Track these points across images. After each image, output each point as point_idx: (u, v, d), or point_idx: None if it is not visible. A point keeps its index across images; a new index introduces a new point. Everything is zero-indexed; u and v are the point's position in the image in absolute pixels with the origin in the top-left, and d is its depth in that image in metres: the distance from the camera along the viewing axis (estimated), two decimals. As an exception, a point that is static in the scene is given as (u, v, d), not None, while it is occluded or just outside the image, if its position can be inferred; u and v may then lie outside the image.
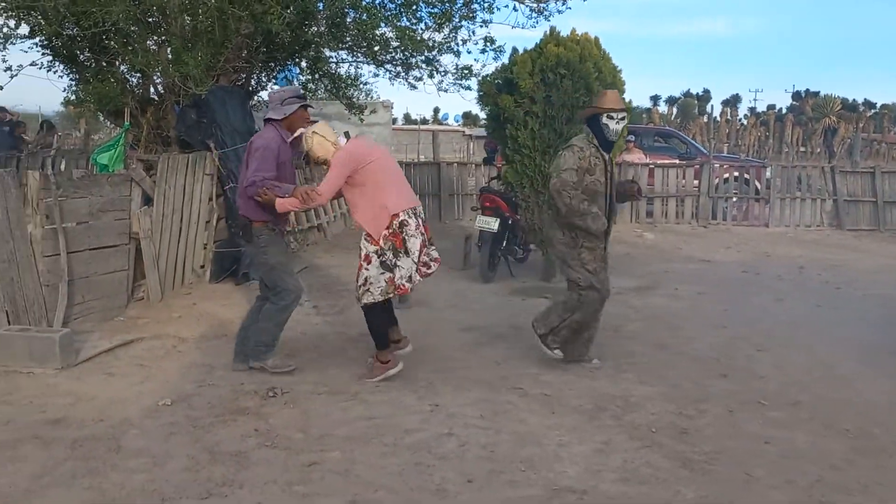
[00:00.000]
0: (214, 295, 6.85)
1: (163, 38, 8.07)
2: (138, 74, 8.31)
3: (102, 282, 6.00)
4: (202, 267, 7.26)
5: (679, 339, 5.85)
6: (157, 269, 6.55)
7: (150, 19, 7.98)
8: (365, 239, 4.57)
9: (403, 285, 4.51)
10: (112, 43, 7.99)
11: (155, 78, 8.26)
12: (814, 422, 4.17)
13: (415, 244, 4.52)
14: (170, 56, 7.68)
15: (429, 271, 4.72)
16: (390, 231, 4.48)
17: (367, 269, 4.54)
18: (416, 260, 4.53)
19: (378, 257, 4.51)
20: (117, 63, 8.09)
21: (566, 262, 4.98)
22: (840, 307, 7.11)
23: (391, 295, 4.57)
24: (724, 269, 9.14)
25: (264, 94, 10.23)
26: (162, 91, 8.29)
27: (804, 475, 3.51)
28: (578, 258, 4.89)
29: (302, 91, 5.15)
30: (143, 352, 5.25)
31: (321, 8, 7.78)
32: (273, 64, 9.20)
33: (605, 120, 4.82)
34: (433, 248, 4.77)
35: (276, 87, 9.95)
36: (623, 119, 4.89)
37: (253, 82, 9.32)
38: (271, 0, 6.91)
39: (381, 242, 4.49)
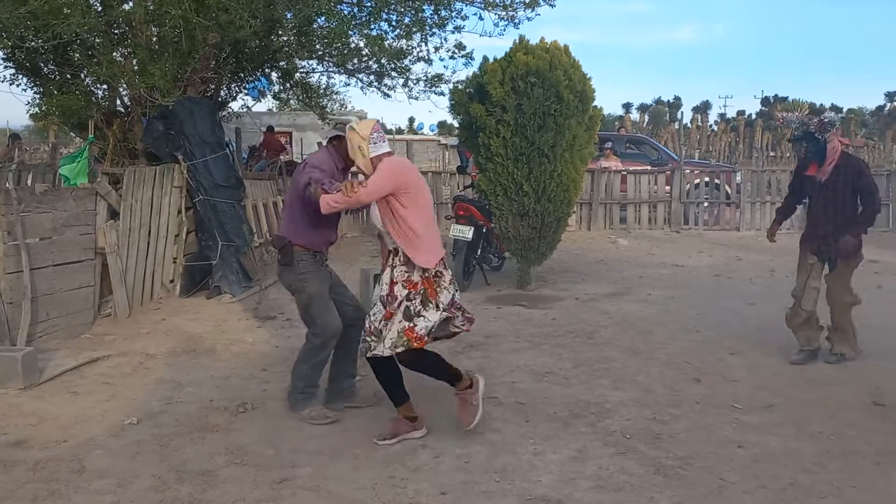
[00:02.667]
0: (184, 309, 6.74)
1: (129, 49, 7.96)
2: (104, 86, 8.19)
3: (67, 298, 5.87)
4: (172, 281, 7.14)
5: (652, 344, 5.86)
6: (125, 285, 6.42)
7: (116, 31, 7.87)
8: (401, 281, 3.87)
9: (423, 338, 3.83)
10: (76, 55, 7.87)
11: (121, 89, 8.14)
12: (786, 425, 4.19)
13: (446, 297, 3.94)
14: (135, 67, 7.57)
15: (456, 330, 4.12)
16: (425, 276, 3.87)
17: (395, 319, 3.86)
18: (442, 316, 3.93)
19: (407, 301, 3.86)
20: (82, 75, 7.96)
21: None
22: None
23: (401, 349, 3.83)
24: (696, 274, 9.20)
25: (234, 105, 10.19)
26: (128, 103, 8.17)
27: (777, 479, 3.51)
28: None
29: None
30: (109, 369, 5.13)
31: (289, 17, 7.72)
32: (242, 74, 9.14)
33: None
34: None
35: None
36: None
37: (223, 93, 9.23)
38: (238, 9, 6.85)
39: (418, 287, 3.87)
